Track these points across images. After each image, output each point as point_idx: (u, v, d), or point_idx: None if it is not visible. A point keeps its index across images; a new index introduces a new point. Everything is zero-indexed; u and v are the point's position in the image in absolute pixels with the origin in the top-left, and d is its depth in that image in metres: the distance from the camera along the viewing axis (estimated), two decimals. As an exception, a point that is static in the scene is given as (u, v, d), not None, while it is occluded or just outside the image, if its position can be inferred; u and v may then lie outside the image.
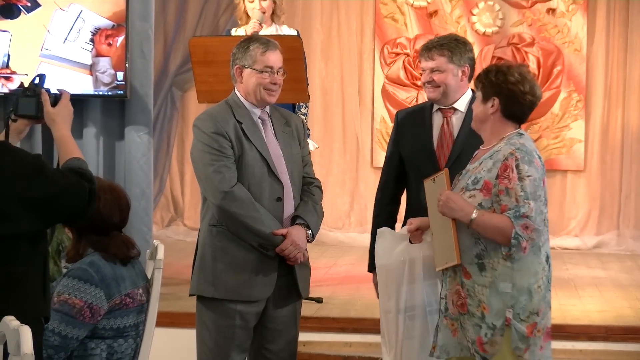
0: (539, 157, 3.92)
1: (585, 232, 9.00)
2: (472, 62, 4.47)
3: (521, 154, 3.85)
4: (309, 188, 4.45)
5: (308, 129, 6.03)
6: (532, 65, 8.90)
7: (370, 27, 9.22)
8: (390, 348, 4.28)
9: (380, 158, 8.85)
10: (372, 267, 4.52)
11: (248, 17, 6.49)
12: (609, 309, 6.38)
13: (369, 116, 9.18)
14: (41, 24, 6.51)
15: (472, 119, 4.07)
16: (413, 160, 4.51)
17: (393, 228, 4.53)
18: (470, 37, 8.46)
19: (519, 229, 3.79)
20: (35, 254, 3.24)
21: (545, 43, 8.99)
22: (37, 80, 3.43)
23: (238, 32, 6.50)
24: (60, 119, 3.40)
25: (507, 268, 3.83)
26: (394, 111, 8.56)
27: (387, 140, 5.20)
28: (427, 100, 4.58)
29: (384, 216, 4.62)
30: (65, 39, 6.50)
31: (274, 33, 6.40)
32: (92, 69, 6.52)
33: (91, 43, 6.51)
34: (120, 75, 6.48)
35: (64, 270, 3.89)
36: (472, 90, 4.30)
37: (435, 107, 4.52)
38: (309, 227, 4.34)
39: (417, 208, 4.29)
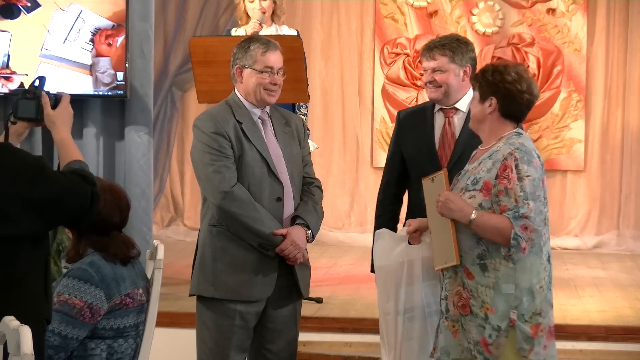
0: (538, 157, 3.92)
1: (585, 232, 9.00)
2: (473, 62, 4.47)
3: (520, 153, 3.84)
4: (309, 188, 4.45)
5: (308, 129, 6.03)
6: (532, 65, 8.90)
7: (370, 27, 9.22)
8: (389, 349, 4.28)
9: (380, 158, 8.87)
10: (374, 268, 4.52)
11: (248, 17, 6.49)
12: (609, 309, 6.38)
13: (369, 116, 9.18)
14: (41, 24, 6.51)
15: (470, 119, 4.07)
16: (415, 161, 4.51)
17: (395, 228, 4.53)
18: (470, 37, 8.44)
19: (518, 230, 3.78)
20: (37, 256, 3.23)
21: (545, 43, 8.99)
22: (37, 83, 3.43)
23: (238, 32, 6.50)
24: (61, 121, 3.40)
25: (510, 269, 3.82)
26: (394, 111, 8.59)
27: (387, 140, 5.20)
28: (428, 100, 4.58)
29: (386, 216, 4.62)
30: (65, 39, 6.50)
31: (274, 33, 6.40)
32: (92, 69, 6.52)
33: (91, 43, 6.51)
34: (120, 75, 6.48)
35: (64, 270, 3.89)
36: (474, 90, 4.30)
37: (437, 107, 4.52)
38: (308, 227, 4.34)
39: (419, 208, 4.29)
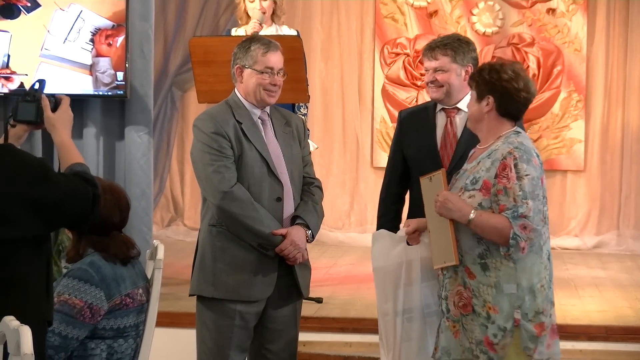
0: (537, 156, 3.91)
1: (585, 232, 9.00)
2: (475, 62, 4.47)
3: (519, 152, 3.84)
4: (309, 188, 4.45)
5: (308, 130, 6.03)
6: (532, 65, 8.90)
7: (370, 27, 9.22)
8: (388, 350, 4.28)
9: (380, 158, 8.87)
10: None
11: (248, 17, 6.49)
12: (609, 309, 6.38)
13: (369, 116, 9.18)
14: (41, 24, 6.51)
15: (468, 119, 4.07)
16: (416, 160, 4.51)
17: (398, 227, 4.52)
18: (470, 37, 8.43)
19: (517, 229, 3.78)
20: (38, 257, 3.23)
21: (545, 43, 8.99)
22: (37, 86, 3.42)
23: (238, 32, 6.50)
24: (61, 124, 3.39)
25: (510, 268, 3.82)
26: (394, 111, 8.60)
27: (387, 140, 5.20)
28: (429, 100, 4.58)
29: (389, 216, 4.62)
30: (65, 39, 6.50)
31: (274, 33, 6.40)
32: (92, 69, 6.52)
33: (91, 43, 6.51)
34: (120, 75, 6.48)
35: (64, 271, 3.89)
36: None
37: (439, 107, 4.52)
38: (308, 227, 4.34)
39: (421, 208, 4.29)
